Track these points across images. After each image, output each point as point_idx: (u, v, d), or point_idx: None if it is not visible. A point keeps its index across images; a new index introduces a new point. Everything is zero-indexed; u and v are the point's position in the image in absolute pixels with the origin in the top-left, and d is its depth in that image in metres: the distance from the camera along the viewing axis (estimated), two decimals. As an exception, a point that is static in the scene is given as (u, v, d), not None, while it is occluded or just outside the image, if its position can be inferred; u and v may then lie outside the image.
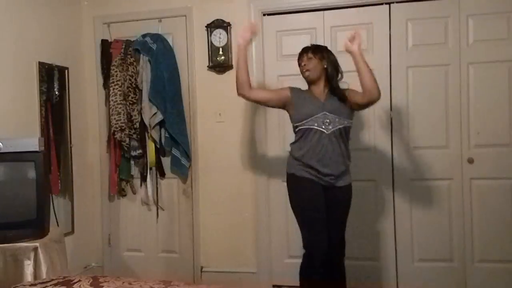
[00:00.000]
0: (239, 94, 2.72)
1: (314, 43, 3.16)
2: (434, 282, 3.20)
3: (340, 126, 2.57)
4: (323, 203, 2.59)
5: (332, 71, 2.64)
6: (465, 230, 3.17)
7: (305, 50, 2.69)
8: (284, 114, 2.86)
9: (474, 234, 3.16)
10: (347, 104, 2.60)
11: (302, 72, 2.68)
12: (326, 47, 2.76)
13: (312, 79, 2.65)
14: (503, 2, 3.08)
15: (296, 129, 2.64)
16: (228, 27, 3.42)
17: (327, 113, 2.56)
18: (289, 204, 2.69)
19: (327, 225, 2.59)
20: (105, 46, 3.57)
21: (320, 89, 2.65)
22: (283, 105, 2.71)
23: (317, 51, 2.67)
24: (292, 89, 2.70)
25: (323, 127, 2.56)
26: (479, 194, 3.15)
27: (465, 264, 3.17)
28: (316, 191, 2.59)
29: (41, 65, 3.15)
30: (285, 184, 2.75)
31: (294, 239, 3.04)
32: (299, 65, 2.70)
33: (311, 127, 2.57)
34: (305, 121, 2.58)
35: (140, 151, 3.50)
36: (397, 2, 3.21)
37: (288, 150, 2.78)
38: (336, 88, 2.64)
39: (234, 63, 2.77)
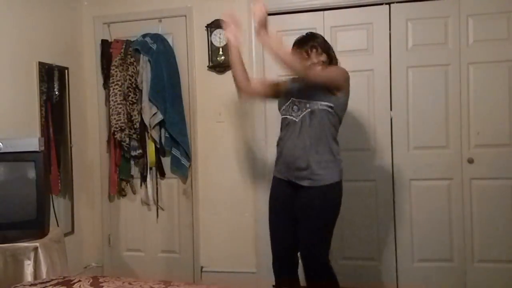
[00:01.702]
0: (241, 93, 2.62)
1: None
2: (434, 282, 3.20)
3: (307, 111, 2.32)
4: (282, 203, 2.45)
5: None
6: (465, 230, 3.17)
7: (310, 45, 2.43)
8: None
9: (474, 234, 3.16)
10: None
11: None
12: (311, 36, 2.50)
13: None
14: (503, 2, 3.08)
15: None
16: (228, 27, 3.41)
17: (294, 99, 2.39)
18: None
19: (286, 226, 2.44)
20: (105, 46, 3.56)
21: None
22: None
23: (315, 41, 2.45)
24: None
25: (293, 114, 2.37)
26: (479, 194, 3.15)
27: (465, 264, 3.17)
28: (278, 189, 2.48)
29: (41, 65, 3.15)
30: None
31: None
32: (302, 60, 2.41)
33: (284, 116, 2.43)
34: (280, 110, 2.47)
35: (140, 151, 3.50)
36: (397, 2, 3.21)
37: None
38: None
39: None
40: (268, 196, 3.18)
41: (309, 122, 2.32)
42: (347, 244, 3.31)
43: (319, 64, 2.41)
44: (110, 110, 3.47)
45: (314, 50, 2.42)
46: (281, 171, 2.46)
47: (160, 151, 3.53)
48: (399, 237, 3.26)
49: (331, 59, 2.47)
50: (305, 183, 2.35)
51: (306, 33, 2.54)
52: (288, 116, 2.41)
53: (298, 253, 2.48)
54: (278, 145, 2.49)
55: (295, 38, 3.29)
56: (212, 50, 3.45)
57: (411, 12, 3.20)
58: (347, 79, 2.41)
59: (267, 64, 3.40)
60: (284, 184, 2.45)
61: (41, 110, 3.13)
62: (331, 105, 2.34)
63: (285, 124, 2.43)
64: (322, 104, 2.32)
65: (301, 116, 2.35)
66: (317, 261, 2.38)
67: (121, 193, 3.61)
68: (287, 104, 2.43)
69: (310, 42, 2.44)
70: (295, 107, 2.38)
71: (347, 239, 3.31)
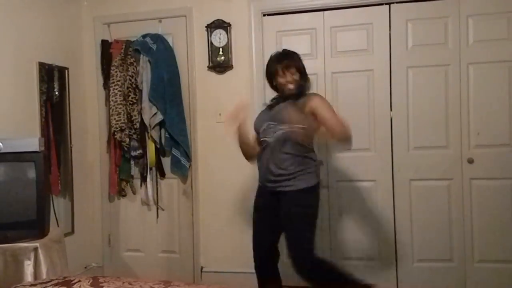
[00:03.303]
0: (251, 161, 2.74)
1: (314, 44, 3.18)
2: (434, 282, 3.20)
3: (279, 132, 2.47)
4: (263, 205, 2.63)
5: (304, 79, 2.60)
6: (465, 230, 3.17)
7: (285, 64, 2.54)
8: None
9: (474, 234, 3.16)
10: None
11: (283, 85, 2.55)
12: (293, 53, 2.64)
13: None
14: (503, 2, 3.08)
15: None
16: (228, 27, 3.42)
17: (270, 122, 2.53)
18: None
19: (266, 227, 2.62)
20: (105, 46, 3.57)
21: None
22: None
23: (292, 61, 2.57)
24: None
25: (268, 136, 2.54)
26: (479, 194, 3.15)
27: (465, 264, 3.17)
28: (260, 194, 2.67)
29: (41, 65, 3.15)
30: None
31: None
32: (276, 75, 2.56)
33: (262, 139, 2.59)
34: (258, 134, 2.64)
35: (140, 151, 3.50)
36: (397, 2, 3.21)
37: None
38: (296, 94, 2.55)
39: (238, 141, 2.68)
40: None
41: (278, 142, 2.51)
42: (347, 244, 3.31)
43: (293, 82, 2.54)
44: (110, 110, 3.47)
45: (290, 69, 2.55)
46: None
47: (160, 151, 3.53)
48: (399, 237, 3.26)
49: (305, 77, 2.61)
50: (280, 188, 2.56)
51: (283, 50, 2.69)
52: (264, 137, 2.58)
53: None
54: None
55: (295, 39, 3.33)
56: (212, 50, 3.45)
57: (411, 12, 3.20)
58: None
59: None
60: (265, 191, 2.66)
61: (41, 110, 3.13)
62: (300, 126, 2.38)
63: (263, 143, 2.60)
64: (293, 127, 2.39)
65: (274, 136, 2.52)
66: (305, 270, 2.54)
67: (121, 193, 3.61)
68: (263, 128, 2.58)
69: (285, 61, 2.57)
70: (270, 129, 2.53)
71: (347, 239, 3.31)
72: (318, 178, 2.55)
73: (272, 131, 2.50)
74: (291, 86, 2.55)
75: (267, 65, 2.67)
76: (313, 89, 3.29)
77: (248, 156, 2.71)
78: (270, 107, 2.65)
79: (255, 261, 2.69)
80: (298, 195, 2.46)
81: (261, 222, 2.64)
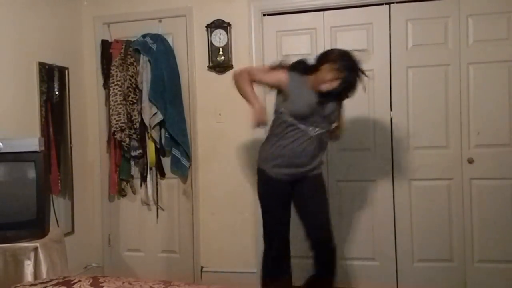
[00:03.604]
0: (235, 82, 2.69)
1: (314, 43, 3.18)
2: (434, 282, 3.20)
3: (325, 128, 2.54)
4: (285, 194, 2.64)
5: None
6: (465, 230, 3.17)
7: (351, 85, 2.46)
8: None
9: (474, 234, 3.16)
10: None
11: (323, 83, 2.43)
12: None
13: None
14: (503, 2, 3.08)
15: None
16: (228, 27, 3.42)
17: (324, 123, 2.53)
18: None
19: (288, 217, 2.67)
20: (105, 46, 3.56)
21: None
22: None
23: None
24: (290, 75, 2.51)
25: (313, 128, 2.50)
26: (479, 194, 3.15)
27: (465, 264, 3.17)
28: (277, 183, 2.63)
29: (41, 65, 3.15)
30: None
31: (293, 239, 3.03)
32: (332, 71, 2.40)
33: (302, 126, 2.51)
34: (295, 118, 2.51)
35: (140, 151, 3.50)
36: (397, 2, 3.21)
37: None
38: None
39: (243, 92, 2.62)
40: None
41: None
42: (347, 244, 3.31)
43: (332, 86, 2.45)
44: (110, 110, 3.47)
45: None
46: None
47: (160, 151, 3.53)
48: (399, 237, 3.26)
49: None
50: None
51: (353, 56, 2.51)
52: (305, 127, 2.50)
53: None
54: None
55: (295, 38, 3.33)
56: (212, 50, 3.45)
57: (411, 12, 3.20)
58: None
59: (267, 63, 3.40)
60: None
61: (41, 110, 3.13)
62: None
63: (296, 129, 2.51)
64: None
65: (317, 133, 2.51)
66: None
67: (121, 193, 3.61)
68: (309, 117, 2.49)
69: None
70: (315, 123, 2.49)
71: (347, 239, 3.31)
72: None
73: (321, 127, 2.50)
74: (329, 88, 2.42)
75: (346, 67, 2.39)
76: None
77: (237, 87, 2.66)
78: (318, 101, 2.48)
79: (275, 250, 2.63)
80: (322, 177, 2.67)
81: (286, 211, 2.60)
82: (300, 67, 2.55)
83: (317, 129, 2.49)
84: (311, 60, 2.56)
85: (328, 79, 2.40)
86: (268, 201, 2.63)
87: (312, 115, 2.48)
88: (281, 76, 2.52)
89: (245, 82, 2.57)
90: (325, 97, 2.46)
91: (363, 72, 2.43)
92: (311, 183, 2.59)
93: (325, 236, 2.57)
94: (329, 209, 2.64)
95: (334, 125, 2.57)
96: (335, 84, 2.39)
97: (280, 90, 2.56)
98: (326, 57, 2.46)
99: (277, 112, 2.58)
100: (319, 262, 2.60)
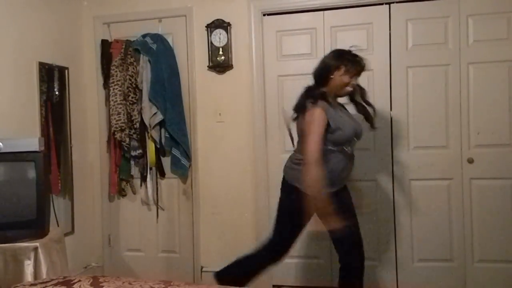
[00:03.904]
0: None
1: (314, 43, 3.17)
2: (434, 282, 3.20)
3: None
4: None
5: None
6: (465, 230, 3.17)
7: (364, 68, 2.50)
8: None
9: (474, 234, 3.16)
10: None
11: (346, 87, 2.47)
12: None
13: None
14: (503, 2, 3.08)
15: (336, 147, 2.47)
16: (228, 27, 3.42)
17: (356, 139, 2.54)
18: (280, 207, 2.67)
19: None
20: (105, 46, 3.56)
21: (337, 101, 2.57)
22: None
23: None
24: (326, 111, 2.42)
25: (352, 146, 2.53)
26: (479, 194, 3.15)
27: (465, 264, 3.17)
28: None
29: (41, 65, 3.15)
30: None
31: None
32: (349, 73, 2.45)
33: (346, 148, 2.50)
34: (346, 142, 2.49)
35: (140, 151, 3.50)
36: (397, 2, 3.21)
37: (287, 149, 2.77)
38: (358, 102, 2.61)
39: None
40: (268, 196, 3.20)
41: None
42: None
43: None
44: (110, 110, 3.47)
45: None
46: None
47: (160, 151, 3.53)
48: (399, 237, 3.26)
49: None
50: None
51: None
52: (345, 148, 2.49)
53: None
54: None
55: (295, 38, 3.33)
56: (212, 50, 3.45)
57: (411, 12, 3.20)
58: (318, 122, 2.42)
59: (267, 63, 3.41)
60: None
61: (41, 110, 3.13)
62: None
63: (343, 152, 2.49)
64: None
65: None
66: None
67: (121, 193, 3.61)
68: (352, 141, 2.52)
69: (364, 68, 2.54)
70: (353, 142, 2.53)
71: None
72: None
73: (353, 143, 2.53)
74: (354, 85, 2.50)
75: (350, 60, 2.45)
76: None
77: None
78: (341, 110, 2.55)
79: (279, 259, 2.64)
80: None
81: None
82: (318, 96, 2.45)
83: (352, 146, 2.52)
84: (311, 82, 2.55)
85: (347, 82, 2.45)
86: (301, 218, 2.52)
87: (353, 137, 2.50)
88: (321, 119, 2.39)
89: (312, 170, 2.35)
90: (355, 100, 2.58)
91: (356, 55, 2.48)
92: (344, 194, 2.59)
93: (362, 251, 2.56)
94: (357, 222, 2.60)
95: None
96: (354, 81, 2.47)
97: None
98: (329, 68, 2.46)
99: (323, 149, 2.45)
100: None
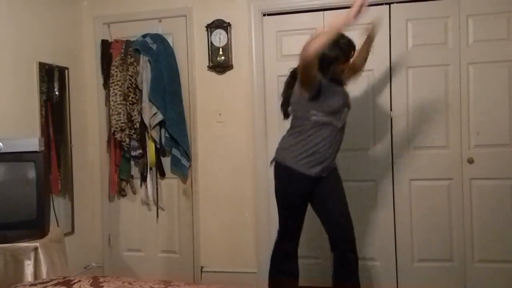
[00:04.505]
0: (306, 60, 2.36)
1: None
2: (434, 282, 3.20)
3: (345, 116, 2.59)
4: (308, 193, 2.62)
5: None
6: (465, 230, 3.17)
7: (354, 48, 2.56)
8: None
9: (474, 234, 3.16)
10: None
11: (342, 69, 2.55)
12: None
13: None
14: (503, 2, 3.08)
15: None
16: (228, 27, 3.42)
17: (345, 108, 2.58)
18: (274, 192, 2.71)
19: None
20: (105, 46, 3.57)
21: (340, 78, 2.62)
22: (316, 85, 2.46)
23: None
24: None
25: (337, 120, 2.53)
26: (479, 194, 3.15)
27: (465, 264, 3.17)
28: (306, 180, 2.58)
29: (41, 65, 3.15)
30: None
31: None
32: (347, 60, 2.53)
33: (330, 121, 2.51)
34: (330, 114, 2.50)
35: (140, 151, 3.50)
36: (397, 2, 3.21)
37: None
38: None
39: (329, 31, 2.34)
40: (268, 196, 3.18)
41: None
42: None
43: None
44: (110, 110, 3.47)
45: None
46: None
47: (160, 151, 3.53)
48: (399, 237, 3.26)
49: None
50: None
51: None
52: (332, 121, 2.50)
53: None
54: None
55: (295, 38, 3.33)
56: (212, 50, 3.45)
57: (411, 12, 3.20)
58: None
59: (266, 63, 3.41)
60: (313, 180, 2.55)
61: (41, 110, 3.13)
62: None
63: (326, 126, 2.49)
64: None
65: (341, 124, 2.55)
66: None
67: (121, 193, 3.61)
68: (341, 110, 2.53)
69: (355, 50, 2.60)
70: (342, 115, 2.55)
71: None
72: None
73: (343, 117, 2.55)
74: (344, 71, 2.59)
75: (341, 47, 2.50)
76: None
77: (318, 51, 2.32)
78: (334, 88, 2.55)
79: (287, 244, 2.67)
80: (338, 171, 2.69)
81: (304, 210, 2.63)
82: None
83: (341, 119, 2.54)
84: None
85: (345, 68, 2.56)
86: (292, 198, 2.60)
87: (342, 107, 2.53)
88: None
89: (315, 41, 2.32)
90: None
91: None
92: (332, 179, 2.61)
93: (351, 234, 2.60)
94: (348, 207, 2.64)
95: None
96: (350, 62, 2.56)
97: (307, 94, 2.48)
98: (328, 60, 2.49)
99: (303, 117, 2.51)
100: (339, 263, 2.63)
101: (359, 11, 2.31)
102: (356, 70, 2.73)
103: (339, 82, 2.61)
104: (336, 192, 2.63)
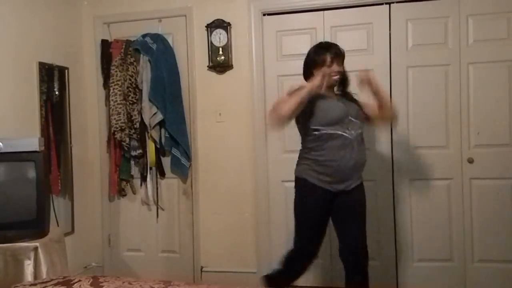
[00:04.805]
0: (279, 119, 2.43)
1: (314, 43, 3.18)
2: (434, 282, 3.20)
3: (358, 127, 2.51)
4: (327, 207, 2.59)
5: (346, 74, 2.60)
6: (465, 230, 3.17)
7: (337, 54, 2.51)
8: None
9: (474, 234, 3.16)
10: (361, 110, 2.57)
11: (329, 75, 2.47)
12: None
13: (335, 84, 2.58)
14: (503, 2, 3.08)
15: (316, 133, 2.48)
16: (228, 27, 3.42)
17: (351, 118, 2.49)
18: (293, 205, 2.62)
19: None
20: (105, 46, 3.56)
21: (334, 92, 2.59)
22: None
23: (340, 51, 2.55)
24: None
25: (348, 131, 2.47)
26: (479, 194, 3.15)
27: (465, 264, 3.17)
28: (322, 194, 2.54)
29: (41, 65, 3.14)
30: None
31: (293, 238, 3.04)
32: (323, 64, 2.49)
33: (335, 131, 2.46)
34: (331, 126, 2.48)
35: (140, 151, 3.50)
36: (397, 2, 3.21)
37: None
38: (348, 92, 2.62)
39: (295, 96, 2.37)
40: (268, 196, 3.18)
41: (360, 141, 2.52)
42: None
43: (338, 74, 2.52)
44: (110, 110, 3.47)
45: (337, 59, 2.54)
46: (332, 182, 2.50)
47: (160, 151, 3.53)
48: (399, 237, 3.26)
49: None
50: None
51: (326, 42, 2.68)
52: (342, 132, 2.46)
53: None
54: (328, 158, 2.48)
55: (295, 38, 3.33)
56: (212, 50, 3.45)
57: (411, 12, 3.20)
58: None
59: (266, 63, 3.40)
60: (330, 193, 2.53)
61: (41, 110, 3.13)
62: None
63: (334, 138, 2.46)
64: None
65: (355, 134, 2.48)
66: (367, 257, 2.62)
67: (121, 193, 3.61)
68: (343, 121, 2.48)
69: (335, 50, 2.54)
70: (350, 125, 2.48)
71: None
72: None
73: (352, 127, 2.47)
74: (336, 77, 2.50)
75: (313, 53, 2.55)
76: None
77: (292, 114, 2.39)
78: (332, 99, 2.55)
79: (308, 257, 2.64)
80: (363, 188, 2.62)
81: (321, 222, 2.58)
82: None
83: (353, 130, 2.46)
84: None
85: (328, 72, 2.46)
86: (313, 210, 2.56)
87: (344, 116, 2.47)
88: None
89: (284, 103, 2.40)
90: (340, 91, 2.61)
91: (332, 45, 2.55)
92: (360, 198, 2.58)
93: (365, 254, 2.58)
94: (365, 226, 2.59)
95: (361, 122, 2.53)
96: (337, 68, 2.49)
97: (303, 112, 2.48)
98: (307, 65, 2.57)
99: (304, 133, 2.55)
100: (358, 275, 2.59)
101: (322, 82, 2.40)
102: (369, 119, 2.64)
103: (343, 93, 2.59)
104: (354, 210, 2.55)
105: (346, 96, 2.60)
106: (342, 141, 2.44)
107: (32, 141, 2.52)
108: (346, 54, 2.67)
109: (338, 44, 2.60)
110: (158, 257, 3.64)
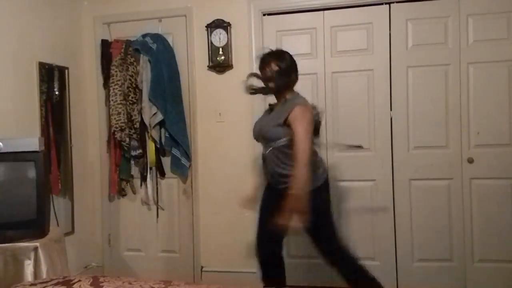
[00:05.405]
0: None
1: (314, 43, 3.19)
2: (434, 282, 3.20)
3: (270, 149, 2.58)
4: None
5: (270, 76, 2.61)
6: (465, 230, 3.17)
7: (261, 63, 2.66)
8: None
9: (474, 234, 3.16)
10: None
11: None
12: (273, 52, 2.68)
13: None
14: (503, 2, 3.08)
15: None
16: (228, 27, 3.42)
17: (263, 135, 2.62)
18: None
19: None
20: (105, 46, 3.56)
21: (280, 100, 2.65)
22: None
23: (264, 59, 2.64)
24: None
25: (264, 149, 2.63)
26: (479, 194, 3.15)
27: (465, 264, 3.17)
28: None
29: (41, 65, 3.14)
30: None
31: (293, 239, 3.04)
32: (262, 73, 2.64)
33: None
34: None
35: (140, 151, 3.50)
36: (397, 2, 3.21)
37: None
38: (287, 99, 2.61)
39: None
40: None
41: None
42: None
43: (265, 81, 2.66)
44: (110, 110, 3.47)
45: (264, 68, 2.65)
46: None
47: (160, 151, 3.53)
48: (399, 237, 3.26)
49: (283, 77, 2.59)
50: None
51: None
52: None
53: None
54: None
55: (295, 38, 3.33)
56: (212, 50, 3.45)
57: (411, 12, 3.20)
58: (310, 120, 2.47)
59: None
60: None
61: (41, 110, 3.13)
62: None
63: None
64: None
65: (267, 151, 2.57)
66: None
67: (121, 193, 3.61)
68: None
69: (260, 60, 2.68)
70: (263, 142, 2.63)
71: (347, 239, 3.30)
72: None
73: (265, 145, 2.60)
74: (268, 84, 2.64)
75: (261, 62, 2.72)
76: (313, 89, 3.31)
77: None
78: (269, 111, 2.71)
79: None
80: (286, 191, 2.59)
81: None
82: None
83: (265, 148, 2.58)
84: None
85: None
86: (330, 213, 2.67)
87: (257, 136, 2.64)
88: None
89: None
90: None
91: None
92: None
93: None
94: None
95: (280, 142, 2.49)
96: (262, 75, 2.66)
97: None
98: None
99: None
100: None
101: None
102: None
103: (285, 99, 2.60)
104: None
105: (286, 102, 2.56)
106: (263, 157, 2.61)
107: (32, 141, 2.52)
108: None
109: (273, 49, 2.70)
110: (158, 257, 3.64)
